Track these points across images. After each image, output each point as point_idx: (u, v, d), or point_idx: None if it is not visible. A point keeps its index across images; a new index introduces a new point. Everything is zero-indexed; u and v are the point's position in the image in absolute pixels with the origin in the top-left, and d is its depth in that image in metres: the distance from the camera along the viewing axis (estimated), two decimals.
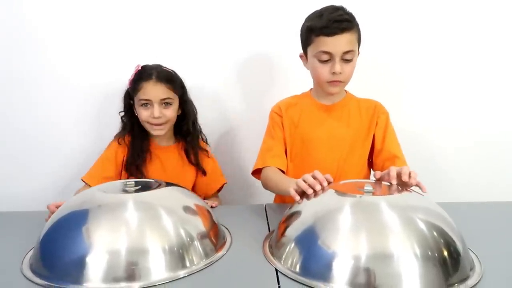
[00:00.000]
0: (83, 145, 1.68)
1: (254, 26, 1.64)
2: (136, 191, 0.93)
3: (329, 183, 0.95)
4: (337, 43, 1.18)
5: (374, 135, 1.33)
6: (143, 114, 1.34)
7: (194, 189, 1.48)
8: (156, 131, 1.36)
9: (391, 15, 1.65)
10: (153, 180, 1.02)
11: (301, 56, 1.33)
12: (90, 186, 1.26)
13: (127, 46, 1.62)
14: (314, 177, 0.95)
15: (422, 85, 1.72)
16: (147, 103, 1.33)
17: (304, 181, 0.95)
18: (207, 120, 1.62)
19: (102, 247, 0.79)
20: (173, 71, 1.40)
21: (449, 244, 0.78)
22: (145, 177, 1.34)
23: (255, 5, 1.62)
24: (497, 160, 1.78)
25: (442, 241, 0.78)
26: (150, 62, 1.41)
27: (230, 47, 1.66)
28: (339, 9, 1.21)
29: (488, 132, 1.76)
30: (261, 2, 1.62)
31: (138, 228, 0.82)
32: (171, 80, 1.36)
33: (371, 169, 1.37)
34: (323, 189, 0.93)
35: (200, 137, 1.49)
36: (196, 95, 1.49)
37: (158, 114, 1.32)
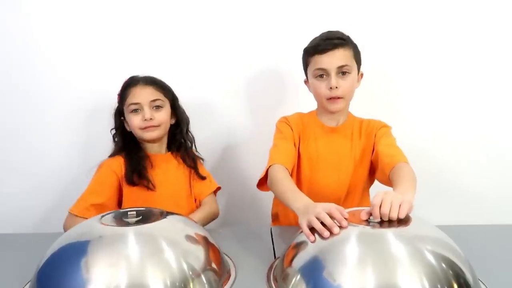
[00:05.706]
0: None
1: (264, 43, 1.64)
2: (137, 222, 0.90)
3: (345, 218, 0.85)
4: (330, 59, 1.20)
5: (373, 148, 1.29)
6: (134, 120, 1.29)
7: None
8: (148, 134, 1.30)
9: (392, 28, 1.66)
10: (154, 209, 0.99)
11: (305, 82, 1.33)
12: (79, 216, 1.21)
13: (132, 61, 1.61)
14: (331, 216, 0.85)
15: (425, 98, 1.72)
16: (137, 109, 1.29)
17: (318, 219, 0.86)
18: (211, 135, 1.62)
19: (101, 283, 0.76)
20: (161, 80, 1.36)
21: (459, 276, 0.76)
22: (151, 183, 1.29)
23: (267, 22, 1.62)
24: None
25: (451, 272, 0.76)
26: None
27: (239, 64, 1.66)
28: (333, 31, 1.24)
29: (499, 146, 1.74)
30: (274, 19, 1.62)
31: (139, 263, 0.80)
32: (159, 83, 1.34)
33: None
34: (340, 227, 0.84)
35: (193, 145, 1.45)
36: (202, 110, 1.47)
37: (149, 116, 1.27)
